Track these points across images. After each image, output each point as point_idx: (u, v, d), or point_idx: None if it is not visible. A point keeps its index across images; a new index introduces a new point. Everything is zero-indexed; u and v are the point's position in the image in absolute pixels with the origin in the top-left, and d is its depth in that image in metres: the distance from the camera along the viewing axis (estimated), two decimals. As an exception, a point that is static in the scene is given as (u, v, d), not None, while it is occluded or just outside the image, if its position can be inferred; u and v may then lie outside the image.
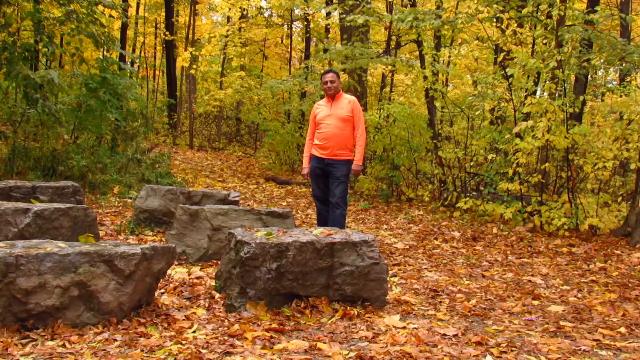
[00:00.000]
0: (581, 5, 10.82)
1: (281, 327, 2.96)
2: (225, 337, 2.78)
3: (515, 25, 7.56)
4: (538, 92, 8.91)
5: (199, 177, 10.93)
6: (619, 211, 7.19)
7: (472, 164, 8.71)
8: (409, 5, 10.03)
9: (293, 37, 20.09)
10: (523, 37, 7.85)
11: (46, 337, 2.62)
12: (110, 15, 16.18)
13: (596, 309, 3.71)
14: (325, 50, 11.47)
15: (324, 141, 5.13)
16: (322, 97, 5.72)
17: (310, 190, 6.00)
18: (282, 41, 22.70)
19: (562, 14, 6.93)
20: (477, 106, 9.07)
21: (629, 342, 3.04)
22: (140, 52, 22.80)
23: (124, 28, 17.64)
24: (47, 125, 7.45)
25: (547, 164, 7.26)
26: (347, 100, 5.17)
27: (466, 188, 8.73)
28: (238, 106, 19.75)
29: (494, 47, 10.04)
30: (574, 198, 6.84)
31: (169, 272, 3.88)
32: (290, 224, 4.74)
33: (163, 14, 19.91)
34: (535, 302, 3.85)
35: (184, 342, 2.68)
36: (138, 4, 21.07)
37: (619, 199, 7.67)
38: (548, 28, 7.06)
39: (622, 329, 3.27)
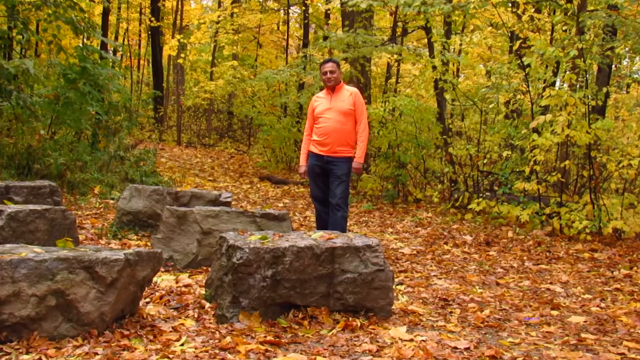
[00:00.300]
0: (604, -12, 10.82)
1: (277, 339, 2.96)
2: (216, 351, 2.78)
3: (533, 10, 7.58)
4: (557, 84, 8.92)
5: (188, 176, 10.94)
6: (646, 213, 7.19)
7: (485, 161, 8.71)
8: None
9: (290, 24, 20.09)
10: (541, 23, 7.87)
11: (21, 350, 2.62)
12: (91, 0, 16.19)
13: (621, 320, 3.71)
14: (325, 38, 11.49)
15: (324, 137, 5.13)
16: (321, 89, 5.72)
17: (309, 190, 6.00)
18: (278, 28, 22.71)
19: (584, -3, 6.95)
20: (490, 99, 9.07)
21: (657, 356, 3.04)
22: (124, 40, 22.81)
23: (105, 13, 17.65)
24: (22, 120, 7.46)
25: (567, 162, 7.26)
26: (349, 92, 5.17)
27: (479, 188, 8.73)
28: (230, 99, 19.76)
29: (509, 35, 10.04)
30: (596, 199, 6.85)
31: (154, 279, 3.88)
32: (287, 227, 4.75)
33: (148, -2, 19.92)
34: (555, 313, 3.85)
35: (171, 355, 2.68)
36: (121, -13, 21.09)
37: (646, 199, 7.67)
38: (568, 13, 7.07)
39: (649, 342, 3.27)
